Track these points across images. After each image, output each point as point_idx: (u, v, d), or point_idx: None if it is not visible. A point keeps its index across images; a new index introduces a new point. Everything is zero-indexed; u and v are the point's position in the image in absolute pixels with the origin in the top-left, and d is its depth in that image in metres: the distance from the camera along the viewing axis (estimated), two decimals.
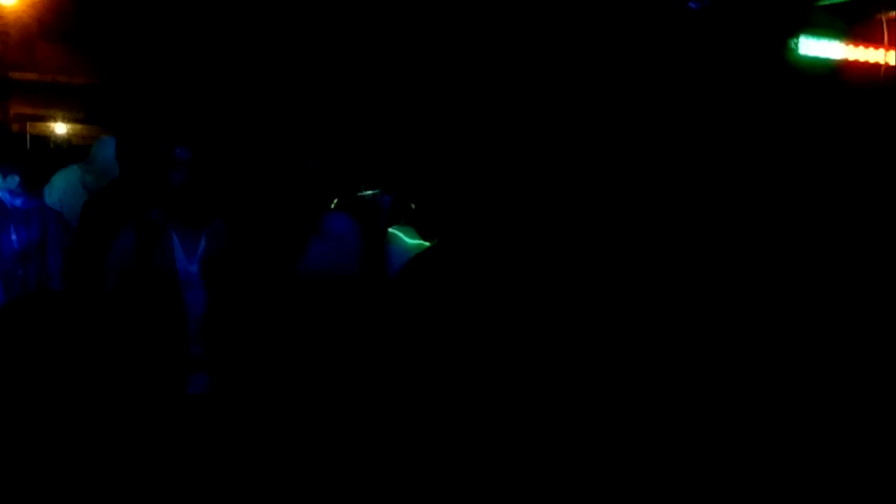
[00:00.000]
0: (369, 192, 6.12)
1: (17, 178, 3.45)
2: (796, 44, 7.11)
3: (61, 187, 4.23)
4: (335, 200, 5.53)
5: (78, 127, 15.84)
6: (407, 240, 4.38)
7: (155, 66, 15.26)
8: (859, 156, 6.73)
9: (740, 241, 6.05)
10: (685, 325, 5.17)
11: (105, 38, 16.11)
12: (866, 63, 7.50)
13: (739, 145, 6.90)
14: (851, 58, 7.47)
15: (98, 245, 3.40)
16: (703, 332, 5.16)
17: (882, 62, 7.52)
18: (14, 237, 2.81)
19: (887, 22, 7.52)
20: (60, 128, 16.22)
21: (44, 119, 16.37)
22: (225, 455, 3.29)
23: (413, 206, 4.77)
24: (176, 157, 3.15)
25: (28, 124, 16.30)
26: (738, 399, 4.52)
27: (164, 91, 14.09)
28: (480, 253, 4.30)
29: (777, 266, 5.60)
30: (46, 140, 15.26)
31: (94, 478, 3.38)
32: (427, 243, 4.31)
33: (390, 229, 4.42)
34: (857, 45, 7.47)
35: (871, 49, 7.47)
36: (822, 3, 7.26)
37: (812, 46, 7.27)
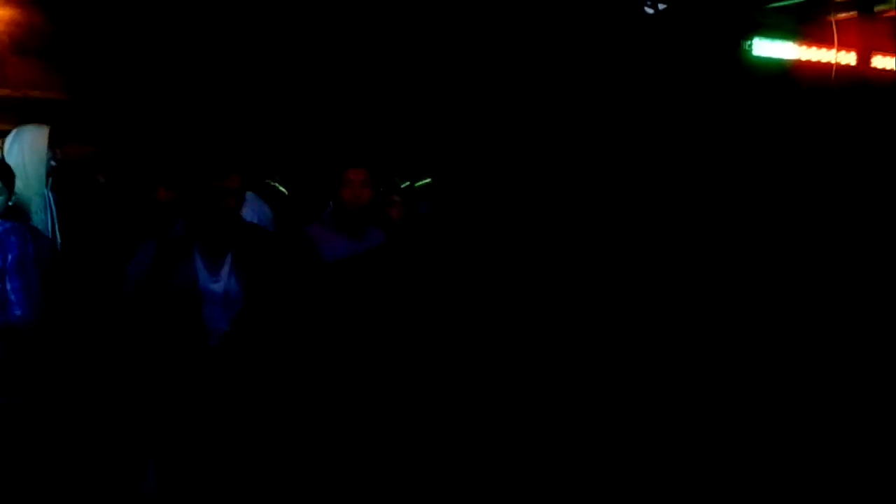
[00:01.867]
0: None
1: None
2: (750, 45, 7.31)
3: None
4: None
5: None
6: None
7: (131, 80, 15.31)
8: (812, 154, 6.92)
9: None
10: (684, 324, 5.28)
11: (78, 53, 16.17)
12: (818, 63, 7.71)
13: (694, 148, 7.06)
14: (804, 58, 7.68)
15: (116, 256, 3.52)
16: (701, 331, 5.26)
17: (832, 62, 7.74)
18: None
19: (836, 23, 7.74)
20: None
21: None
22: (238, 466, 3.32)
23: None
24: (218, 186, 3.27)
25: (1, 140, 16.33)
26: (739, 399, 4.60)
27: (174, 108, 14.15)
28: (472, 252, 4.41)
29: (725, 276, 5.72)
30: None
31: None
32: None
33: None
34: (808, 45, 7.68)
35: (823, 50, 7.69)
36: (773, 5, 7.46)
37: (766, 48, 7.48)
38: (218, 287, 3.32)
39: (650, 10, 7.03)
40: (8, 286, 2.97)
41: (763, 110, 7.12)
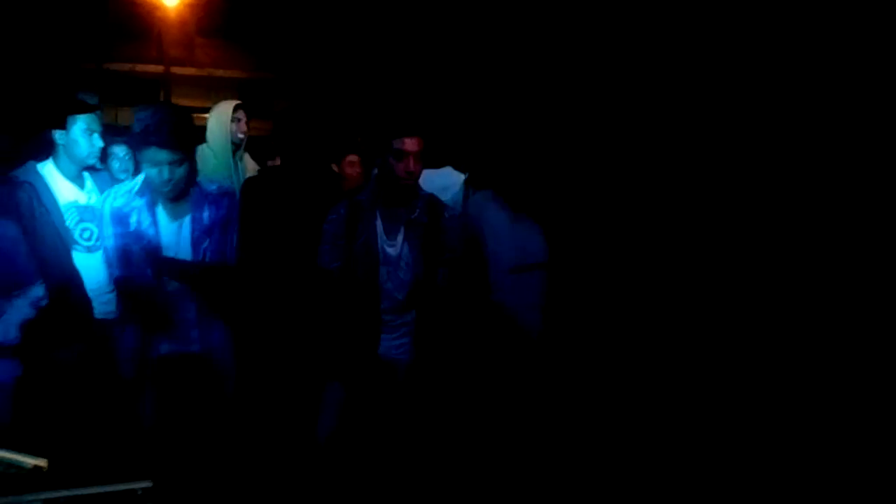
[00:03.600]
0: None
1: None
2: None
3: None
4: None
5: None
6: None
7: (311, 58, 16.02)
8: None
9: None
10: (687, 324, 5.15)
11: (259, 33, 17.04)
12: None
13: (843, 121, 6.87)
14: None
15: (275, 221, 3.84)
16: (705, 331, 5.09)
17: None
18: (206, 214, 3.39)
19: None
20: None
21: (203, 111, 17.38)
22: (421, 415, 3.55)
23: None
24: (401, 149, 3.41)
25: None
26: (739, 399, 4.48)
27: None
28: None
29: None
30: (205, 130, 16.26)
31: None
32: None
33: None
34: None
35: None
36: None
37: None
38: (393, 251, 3.53)
39: None
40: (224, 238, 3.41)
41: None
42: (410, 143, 3.40)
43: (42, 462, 1.68)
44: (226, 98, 5.49)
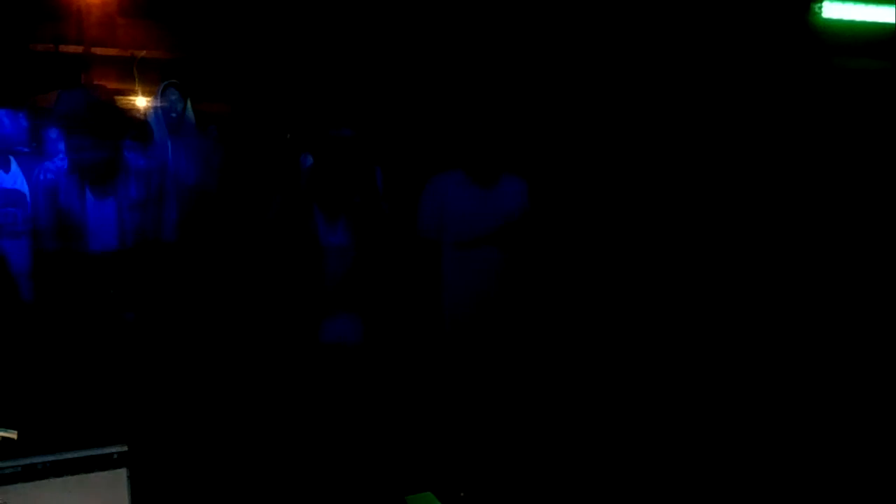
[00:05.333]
0: None
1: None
2: (820, 7, 7.33)
3: None
4: None
5: None
6: None
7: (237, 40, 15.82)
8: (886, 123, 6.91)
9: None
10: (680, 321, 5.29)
11: (183, 14, 16.76)
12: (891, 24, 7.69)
13: (765, 115, 7.11)
14: (877, 20, 7.67)
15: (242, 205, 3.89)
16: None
17: None
18: (132, 190, 3.43)
19: None
20: (141, 101, 16.85)
21: (125, 93, 17.08)
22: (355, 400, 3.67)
23: None
24: (340, 139, 3.50)
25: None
26: (738, 399, 4.69)
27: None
28: None
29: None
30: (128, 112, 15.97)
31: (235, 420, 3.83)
32: None
33: None
34: (881, 6, 7.66)
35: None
36: None
37: (836, 10, 7.50)
38: (336, 240, 3.67)
39: None
40: (151, 214, 3.43)
41: (834, 73, 7.14)
42: (348, 133, 3.53)
43: (11, 433, 1.80)
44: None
